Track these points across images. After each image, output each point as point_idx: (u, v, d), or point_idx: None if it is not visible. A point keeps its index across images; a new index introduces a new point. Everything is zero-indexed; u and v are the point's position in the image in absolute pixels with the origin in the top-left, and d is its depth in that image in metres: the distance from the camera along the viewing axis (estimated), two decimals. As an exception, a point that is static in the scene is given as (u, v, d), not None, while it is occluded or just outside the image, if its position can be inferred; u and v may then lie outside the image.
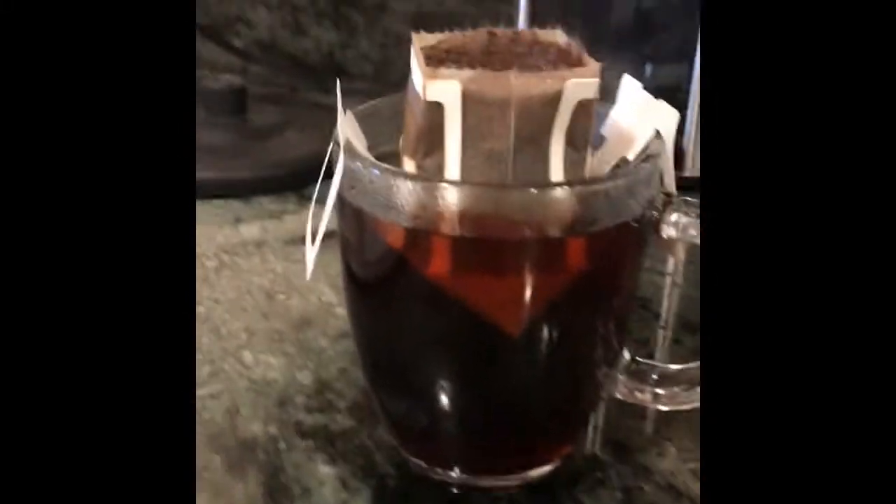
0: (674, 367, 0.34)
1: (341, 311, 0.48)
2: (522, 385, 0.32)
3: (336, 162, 0.31)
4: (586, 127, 0.31)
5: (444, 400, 0.33)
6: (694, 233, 0.31)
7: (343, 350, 0.44)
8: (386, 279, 0.32)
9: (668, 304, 0.50)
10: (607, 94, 0.34)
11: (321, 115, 0.57)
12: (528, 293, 0.31)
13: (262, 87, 0.77)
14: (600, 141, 0.34)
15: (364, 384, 0.41)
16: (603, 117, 0.35)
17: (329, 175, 0.31)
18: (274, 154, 0.62)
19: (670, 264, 0.53)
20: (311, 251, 0.33)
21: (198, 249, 0.54)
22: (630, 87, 0.34)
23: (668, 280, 0.52)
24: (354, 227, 0.32)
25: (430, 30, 0.32)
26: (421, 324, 0.32)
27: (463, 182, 0.30)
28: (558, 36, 0.32)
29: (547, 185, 0.30)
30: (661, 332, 0.47)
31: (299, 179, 0.61)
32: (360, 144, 0.32)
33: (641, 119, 0.33)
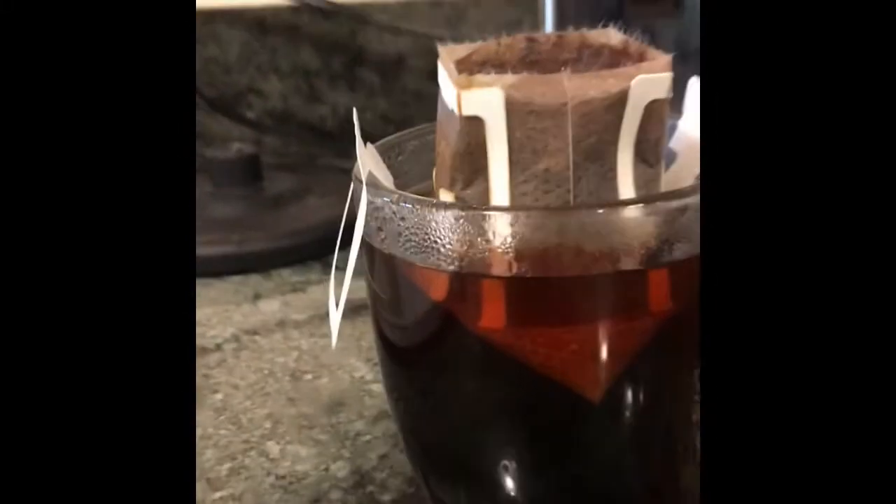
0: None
1: (378, 388, 0.42)
2: (609, 463, 0.26)
3: (358, 202, 0.26)
4: (659, 135, 0.26)
5: (511, 486, 0.26)
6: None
7: (383, 433, 0.38)
8: (429, 341, 0.26)
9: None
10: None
11: (341, 180, 0.52)
12: (607, 344, 0.25)
13: (277, 158, 0.73)
14: (671, 157, 0.29)
15: (411, 472, 0.34)
16: (670, 131, 0.29)
17: (350, 231, 0.26)
18: (293, 222, 0.57)
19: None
20: (335, 316, 0.27)
21: (214, 331, 0.48)
22: (697, 90, 0.29)
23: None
24: (386, 279, 0.26)
25: None
26: (476, 393, 0.26)
27: (517, 207, 0.24)
28: (611, 36, 0.27)
29: (620, 203, 0.24)
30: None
31: (322, 247, 0.56)
32: (386, 180, 0.27)
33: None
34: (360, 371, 0.43)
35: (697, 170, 0.27)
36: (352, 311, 0.27)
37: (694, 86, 0.29)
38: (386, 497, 0.34)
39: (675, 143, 0.29)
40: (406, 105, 0.77)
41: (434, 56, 0.26)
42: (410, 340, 0.27)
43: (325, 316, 0.48)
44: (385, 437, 0.38)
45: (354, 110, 0.28)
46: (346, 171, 0.28)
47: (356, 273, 0.26)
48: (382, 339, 0.28)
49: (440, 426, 0.27)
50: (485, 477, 0.27)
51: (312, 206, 0.60)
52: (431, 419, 0.27)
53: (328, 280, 0.54)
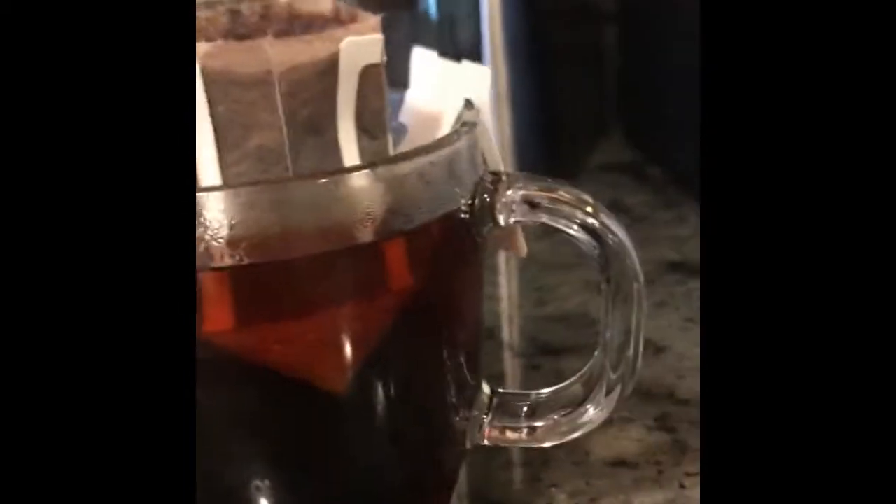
0: (544, 391, 0.27)
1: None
2: (366, 460, 0.24)
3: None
4: (379, 105, 0.24)
5: (267, 502, 0.24)
6: (540, 213, 0.24)
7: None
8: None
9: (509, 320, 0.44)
10: (397, 82, 0.27)
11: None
12: (347, 330, 0.23)
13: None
14: (401, 131, 0.27)
15: None
16: (398, 104, 0.28)
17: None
18: None
19: (502, 274, 0.47)
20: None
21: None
22: (423, 60, 0.28)
23: (505, 291, 0.46)
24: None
25: None
26: (212, 409, 0.23)
27: (225, 186, 0.21)
28: (320, 3, 0.25)
29: (341, 170, 0.22)
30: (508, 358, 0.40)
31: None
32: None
33: (444, 93, 0.26)
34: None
35: (426, 140, 0.26)
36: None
37: (417, 56, 0.28)
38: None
39: (404, 117, 0.28)
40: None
41: None
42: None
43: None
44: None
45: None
46: None
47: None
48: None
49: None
50: (235, 496, 0.24)
51: None
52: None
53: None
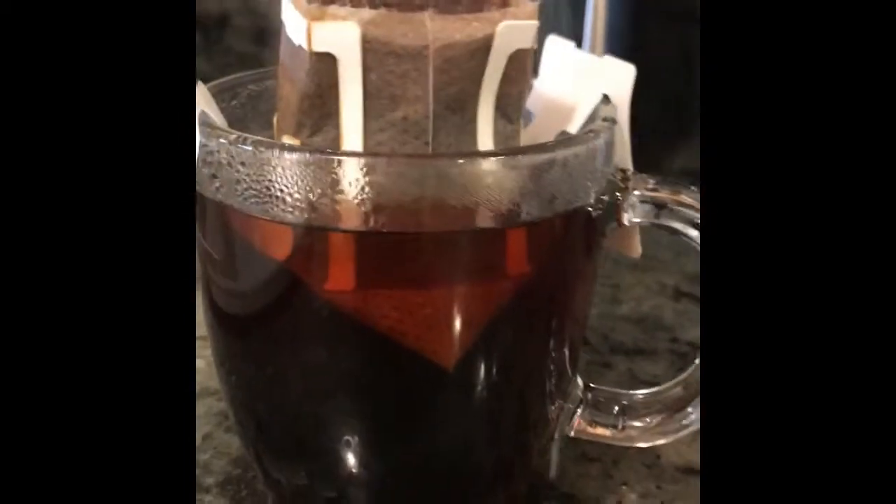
0: (639, 392, 0.27)
1: (200, 363, 0.38)
2: (461, 434, 0.24)
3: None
4: (521, 89, 0.24)
5: (357, 463, 0.24)
6: (664, 215, 0.24)
7: (205, 412, 0.35)
8: (268, 305, 0.24)
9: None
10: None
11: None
12: (463, 308, 0.23)
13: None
14: (527, 117, 0.28)
15: (236, 452, 0.31)
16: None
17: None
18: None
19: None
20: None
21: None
22: (558, 50, 0.28)
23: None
24: (220, 235, 0.23)
25: (274, 48, 0.24)
26: (320, 362, 0.24)
27: (373, 153, 0.22)
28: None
29: (485, 153, 0.22)
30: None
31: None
32: (221, 123, 0.24)
33: (579, 85, 0.26)
34: (180, 346, 0.39)
35: (554, 131, 0.26)
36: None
37: (552, 45, 0.28)
38: (209, 480, 0.31)
39: (531, 104, 0.28)
40: (229, 67, 0.72)
41: (261, 17, 0.23)
42: (247, 307, 0.24)
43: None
44: (208, 416, 0.34)
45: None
46: None
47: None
48: (212, 304, 0.25)
49: (279, 399, 0.25)
50: (327, 453, 0.24)
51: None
52: (269, 392, 0.25)
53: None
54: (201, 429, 0.34)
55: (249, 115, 0.27)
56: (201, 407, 0.35)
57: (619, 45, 0.59)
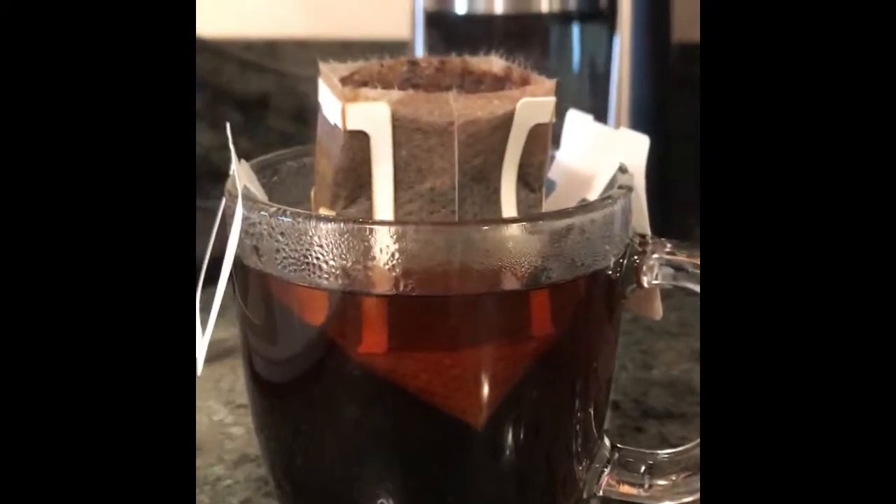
0: (664, 452, 0.28)
1: (238, 430, 0.39)
2: (490, 493, 0.25)
3: (230, 220, 0.24)
4: (542, 159, 0.26)
5: (390, 522, 0.25)
6: (683, 278, 0.25)
7: (244, 478, 0.36)
8: (306, 370, 0.25)
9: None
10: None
11: (202, 218, 0.50)
12: (490, 368, 0.24)
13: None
14: (550, 187, 0.29)
15: (276, 516, 0.32)
16: (549, 161, 0.29)
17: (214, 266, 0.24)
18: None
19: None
20: (200, 342, 0.25)
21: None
22: (578, 122, 0.29)
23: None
24: (260, 303, 0.25)
25: (312, 126, 0.26)
26: (355, 423, 0.25)
27: (402, 221, 0.23)
28: (493, 63, 0.27)
29: (507, 220, 0.24)
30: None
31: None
32: (261, 198, 0.26)
33: (598, 155, 0.28)
34: (219, 414, 0.41)
35: (575, 199, 0.28)
36: (210, 353, 0.25)
37: (571, 118, 0.29)
38: (249, 544, 0.32)
39: (553, 174, 0.29)
40: (270, 146, 0.75)
41: (300, 98, 0.25)
42: (285, 371, 0.25)
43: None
44: (247, 482, 0.35)
45: (227, 124, 0.27)
46: (207, 210, 0.27)
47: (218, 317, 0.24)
48: (253, 372, 0.26)
49: (316, 461, 0.26)
50: (361, 514, 0.25)
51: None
52: (306, 455, 0.26)
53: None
54: (240, 494, 0.35)
55: (289, 192, 0.28)
56: (240, 473, 0.36)
57: (643, 118, 0.61)
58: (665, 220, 0.61)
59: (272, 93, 0.73)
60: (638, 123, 0.59)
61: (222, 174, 0.26)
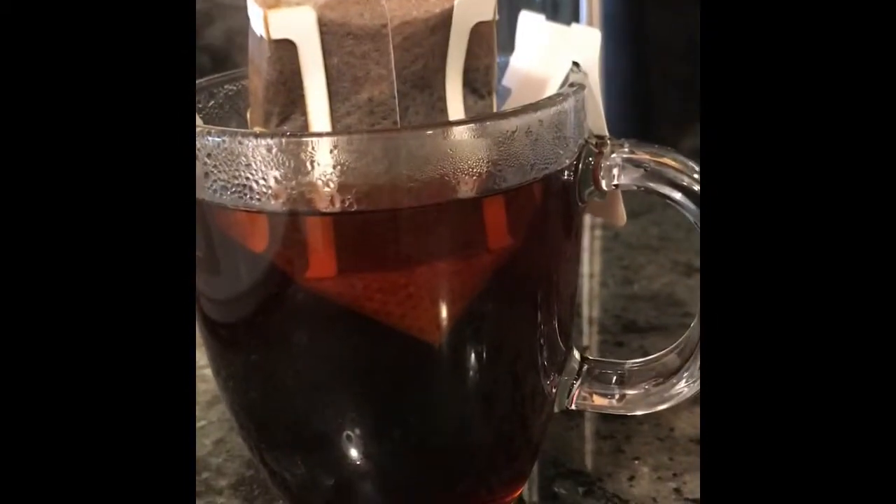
0: (636, 361, 0.27)
1: (209, 372, 0.38)
2: (456, 412, 0.24)
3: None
4: (489, 62, 0.24)
5: (356, 451, 0.24)
6: (645, 178, 0.24)
7: (218, 418, 0.35)
8: (254, 302, 0.24)
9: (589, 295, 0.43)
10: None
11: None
12: (445, 284, 0.23)
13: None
14: (504, 94, 0.28)
15: (248, 454, 0.32)
16: (503, 67, 0.28)
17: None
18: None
19: (587, 251, 0.47)
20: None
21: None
22: (530, 24, 0.27)
23: (587, 268, 0.46)
24: (199, 233, 0.24)
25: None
26: (309, 352, 0.24)
27: (338, 132, 0.22)
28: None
29: (450, 123, 0.22)
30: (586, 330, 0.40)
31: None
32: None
33: (552, 56, 0.26)
34: (194, 357, 0.40)
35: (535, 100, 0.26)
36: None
37: (524, 20, 0.28)
38: (223, 482, 0.31)
39: (508, 80, 0.28)
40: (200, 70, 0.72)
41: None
42: (234, 307, 0.24)
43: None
44: (220, 422, 0.35)
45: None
46: None
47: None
48: (203, 314, 0.25)
49: (273, 396, 0.25)
50: (325, 442, 0.24)
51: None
52: (263, 388, 0.25)
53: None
54: (213, 434, 0.34)
55: (229, 116, 0.27)
56: (214, 413, 0.35)
57: (619, 32, 0.59)
58: (645, 130, 0.60)
59: (201, 10, 0.70)
60: (609, 37, 0.57)
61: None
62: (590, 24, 0.56)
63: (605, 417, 0.33)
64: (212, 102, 0.27)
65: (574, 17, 0.57)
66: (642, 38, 0.61)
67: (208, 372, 0.38)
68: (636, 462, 0.31)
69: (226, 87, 0.27)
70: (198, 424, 0.35)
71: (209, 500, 0.30)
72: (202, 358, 0.39)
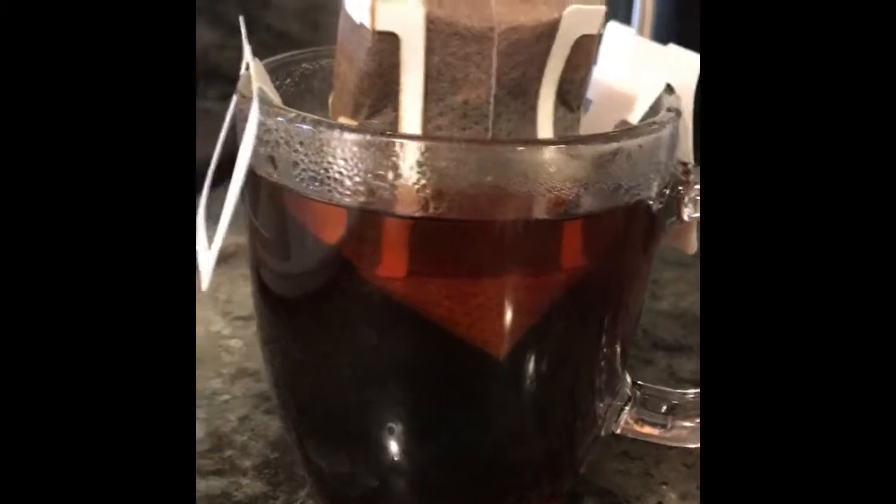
0: (689, 392, 0.27)
1: (236, 343, 0.38)
2: (507, 426, 0.24)
3: (242, 125, 0.22)
4: (584, 75, 0.24)
5: (401, 451, 0.24)
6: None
7: (242, 393, 0.35)
8: (319, 289, 0.23)
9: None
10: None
11: (200, 120, 0.47)
12: (515, 298, 0.22)
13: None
14: (585, 105, 0.27)
15: (274, 436, 0.31)
16: (586, 78, 0.27)
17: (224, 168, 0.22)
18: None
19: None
20: (206, 256, 0.23)
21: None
22: (619, 37, 0.27)
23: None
24: (273, 216, 0.23)
25: (318, 27, 0.24)
26: (368, 346, 0.23)
27: (434, 137, 0.21)
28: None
29: (547, 142, 0.22)
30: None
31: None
32: (277, 101, 0.23)
33: (641, 73, 0.26)
34: (217, 325, 0.39)
35: (614, 120, 0.26)
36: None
37: (612, 32, 0.27)
38: (247, 462, 0.30)
39: (589, 92, 0.27)
40: (268, 46, 0.72)
41: None
42: (297, 288, 0.24)
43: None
44: (245, 398, 0.34)
45: (241, 18, 0.24)
46: (207, 113, 0.25)
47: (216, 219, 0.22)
48: (262, 285, 0.25)
49: (325, 382, 0.24)
50: (371, 440, 0.24)
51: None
52: (315, 374, 0.24)
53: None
54: (238, 409, 0.33)
55: (303, 96, 0.26)
56: (238, 388, 0.35)
57: (666, 34, 0.58)
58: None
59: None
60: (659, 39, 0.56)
61: (220, 74, 0.24)
62: (642, 23, 0.55)
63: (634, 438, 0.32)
64: (288, 80, 0.26)
65: (626, 17, 0.56)
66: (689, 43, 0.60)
67: (234, 343, 0.38)
68: (664, 487, 0.30)
69: (303, 65, 0.26)
70: (222, 398, 0.34)
71: (233, 479, 0.30)
72: (226, 328, 0.39)
